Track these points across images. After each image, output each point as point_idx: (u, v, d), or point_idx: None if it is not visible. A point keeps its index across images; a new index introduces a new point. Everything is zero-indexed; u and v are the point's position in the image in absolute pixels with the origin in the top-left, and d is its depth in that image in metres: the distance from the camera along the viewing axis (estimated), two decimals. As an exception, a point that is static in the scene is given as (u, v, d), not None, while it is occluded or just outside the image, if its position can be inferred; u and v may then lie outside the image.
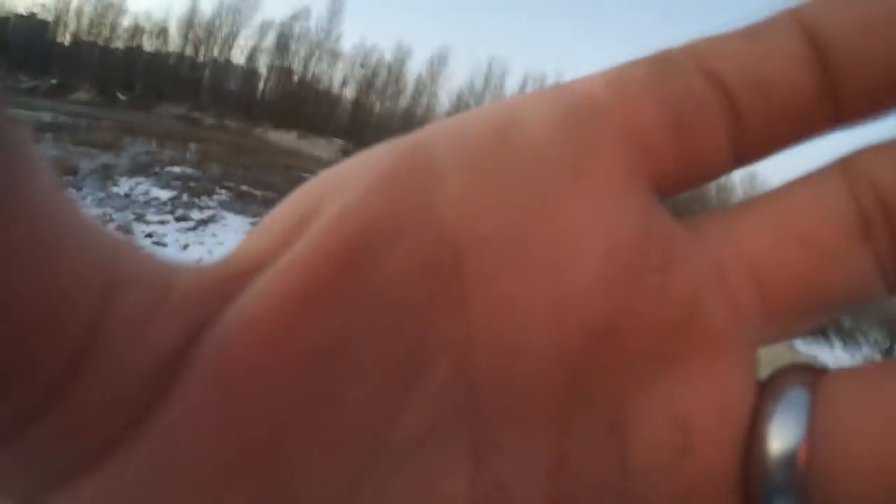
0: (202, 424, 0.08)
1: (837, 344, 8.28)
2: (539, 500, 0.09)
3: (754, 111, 0.10)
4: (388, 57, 29.53)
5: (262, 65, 28.88)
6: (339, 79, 29.52)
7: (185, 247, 4.65)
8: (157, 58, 27.80)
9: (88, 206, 5.11)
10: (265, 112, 25.38)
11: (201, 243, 4.83)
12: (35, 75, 21.48)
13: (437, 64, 29.43)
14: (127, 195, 5.84)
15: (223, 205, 6.40)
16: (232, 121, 21.26)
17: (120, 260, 0.08)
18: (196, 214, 5.66)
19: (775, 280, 0.10)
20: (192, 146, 11.00)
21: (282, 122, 22.92)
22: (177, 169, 7.91)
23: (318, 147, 21.98)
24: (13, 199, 0.07)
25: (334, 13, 28.66)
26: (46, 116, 10.57)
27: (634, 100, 0.10)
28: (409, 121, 27.31)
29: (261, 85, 28.66)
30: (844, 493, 0.09)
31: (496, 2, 53.92)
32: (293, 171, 10.81)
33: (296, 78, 28.35)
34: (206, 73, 27.72)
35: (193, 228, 5.27)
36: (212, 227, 5.39)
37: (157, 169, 7.59)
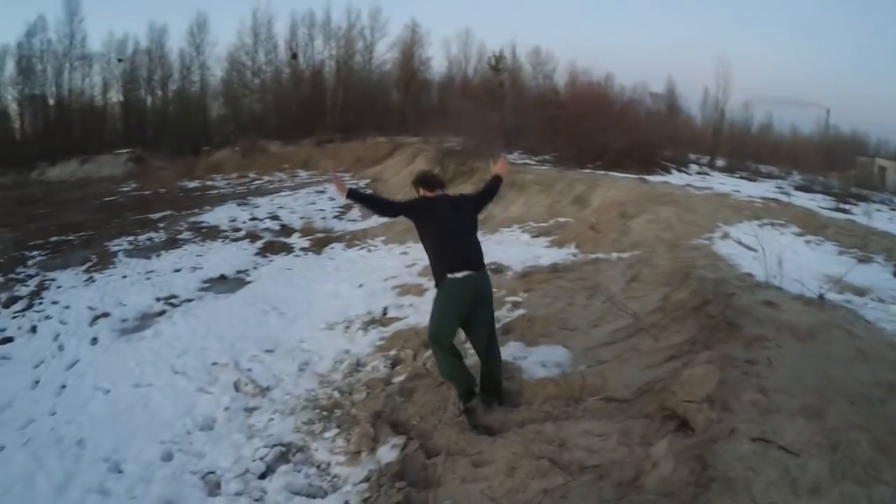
0: None
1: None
2: None
3: None
4: (143, 42, 31.13)
5: (11, 99, 29.60)
6: (100, 84, 30.03)
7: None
8: None
9: None
10: (33, 152, 26.46)
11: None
12: None
13: (199, 32, 32.08)
14: None
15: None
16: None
17: None
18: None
19: None
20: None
21: (57, 155, 25.02)
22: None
23: (105, 165, 23.95)
24: None
25: (72, 13, 28.96)
26: None
27: None
28: (185, 102, 31.30)
29: (17, 125, 29.39)
30: None
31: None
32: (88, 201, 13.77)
33: (52, 101, 29.00)
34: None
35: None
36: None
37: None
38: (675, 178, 11.72)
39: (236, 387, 3.97)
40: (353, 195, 3.40)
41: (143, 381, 4.29)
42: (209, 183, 18.16)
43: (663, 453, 1.90)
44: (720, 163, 18.29)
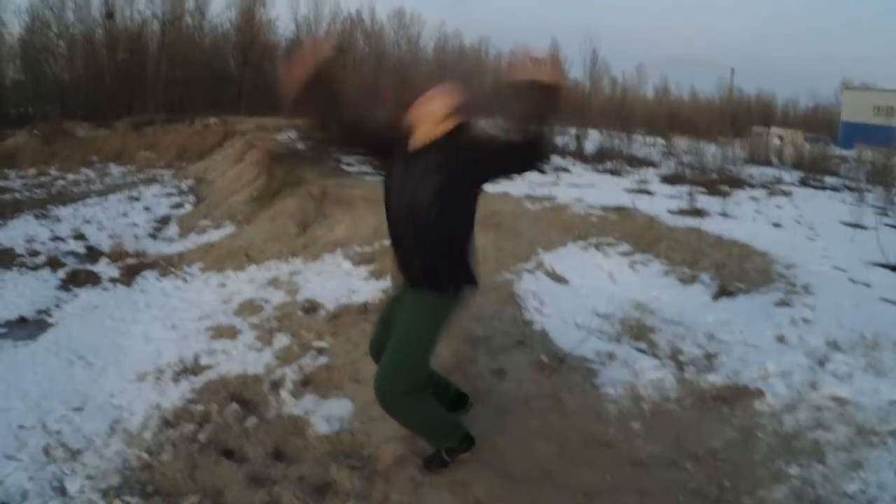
0: None
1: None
2: None
3: None
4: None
5: None
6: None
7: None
8: None
9: None
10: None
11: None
12: None
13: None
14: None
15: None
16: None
17: None
18: None
19: None
20: None
21: None
22: None
23: None
24: None
25: None
26: None
27: None
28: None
29: None
30: None
31: None
32: None
33: None
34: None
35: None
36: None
37: None
38: (521, 183, 12.10)
39: (46, 451, 4.39)
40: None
41: (-58, 450, 4.51)
42: (1, 183, 16.99)
43: None
44: (590, 147, 18.52)
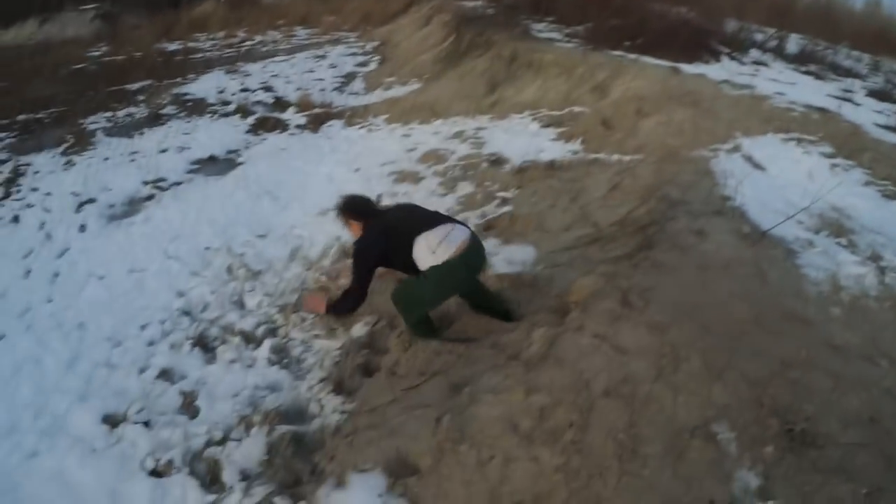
0: None
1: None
2: None
3: None
4: None
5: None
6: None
7: None
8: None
9: None
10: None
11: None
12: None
13: None
14: None
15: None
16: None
17: None
18: None
19: None
20: None
21: (10, 16, 24.42)
22: None
23: (69, 25, 23.31)
24: None
25: None
26: None
27: None
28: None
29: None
30: None
31: None
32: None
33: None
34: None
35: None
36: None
37: None
38: (719, 68, 11.19)
39: (229, 271, 4.85)
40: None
41: (136, 266, 5.16)
42: (192, 45, 18.47)
43: (538, 337, 2.90)
44: (792, 48, 17.52)
